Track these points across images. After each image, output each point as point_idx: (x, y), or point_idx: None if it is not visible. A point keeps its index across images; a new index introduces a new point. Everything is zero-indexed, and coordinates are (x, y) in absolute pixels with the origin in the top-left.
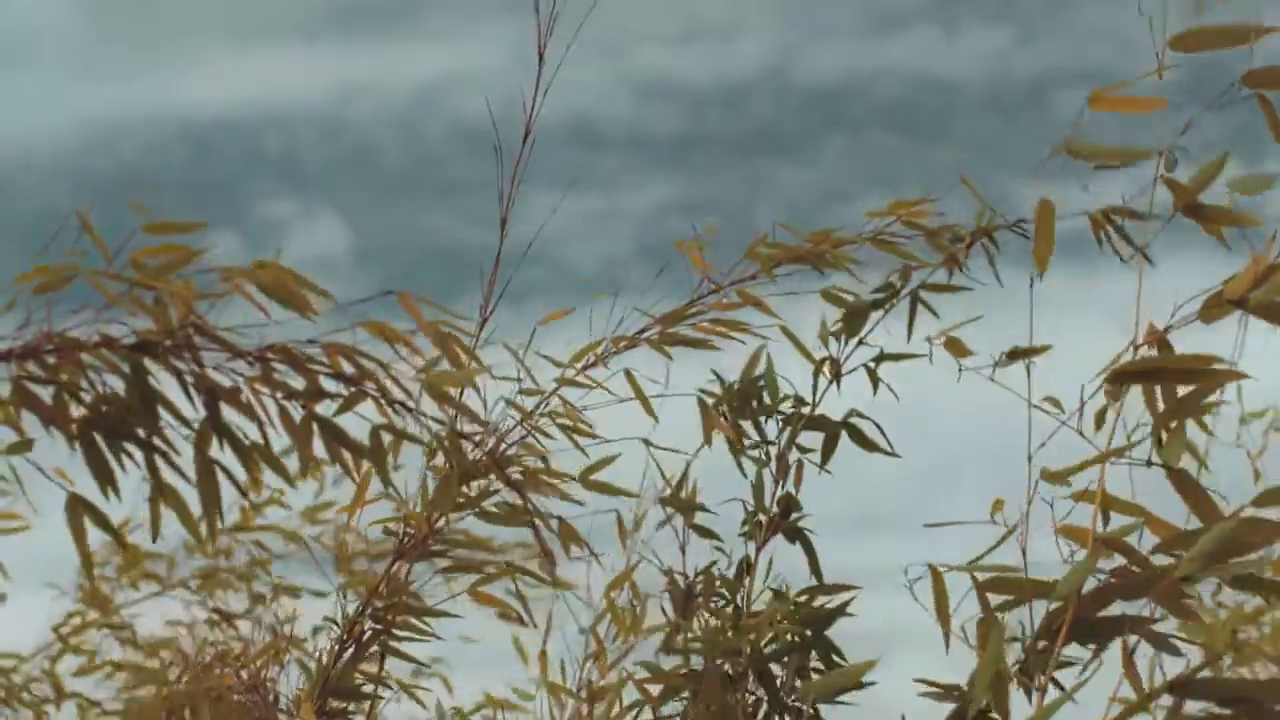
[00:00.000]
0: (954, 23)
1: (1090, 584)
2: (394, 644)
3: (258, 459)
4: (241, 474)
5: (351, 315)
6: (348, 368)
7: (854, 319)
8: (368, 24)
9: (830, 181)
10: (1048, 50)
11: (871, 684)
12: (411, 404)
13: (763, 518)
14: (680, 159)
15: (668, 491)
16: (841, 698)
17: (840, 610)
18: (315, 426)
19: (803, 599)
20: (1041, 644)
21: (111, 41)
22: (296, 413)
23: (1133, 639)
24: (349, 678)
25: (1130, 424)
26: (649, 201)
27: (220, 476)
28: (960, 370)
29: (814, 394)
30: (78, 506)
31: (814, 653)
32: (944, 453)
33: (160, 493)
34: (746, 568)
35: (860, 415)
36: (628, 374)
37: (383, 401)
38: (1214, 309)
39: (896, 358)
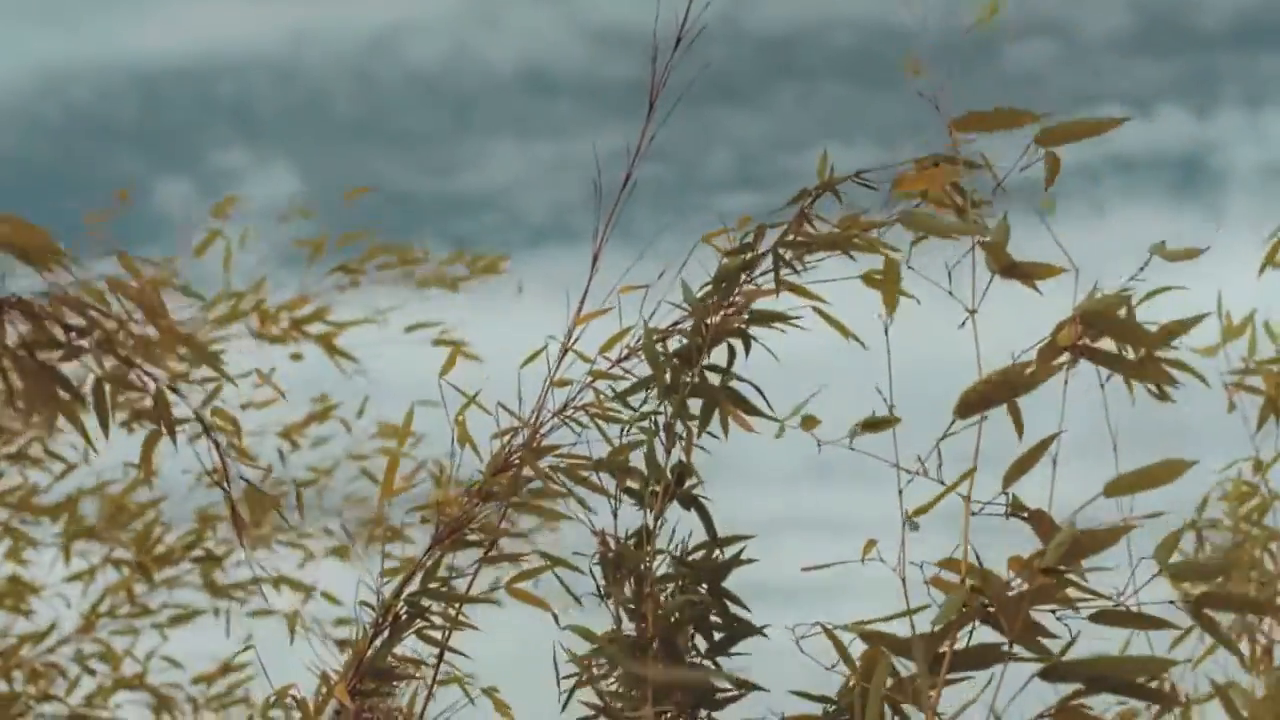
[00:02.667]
0: None
1: None
2: (429, 631)
3: None
4: None
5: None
6: (76, 319)
7: (724, 282)
8: None
9: (782, 130)
10: None
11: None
12: (136, 359)
13: (657, 487)
14: (631, 106)
15: None
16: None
17: (734, 562)
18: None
19: (698, 555)
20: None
21: None
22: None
23: None
24: (383, 659)
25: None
26: (600, 149)
27: None
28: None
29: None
30: None
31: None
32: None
33: None
34: (646, 536)
35: (740, 379)
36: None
37: (109, 352)
38: (1049, 359)
39: (771, 318)
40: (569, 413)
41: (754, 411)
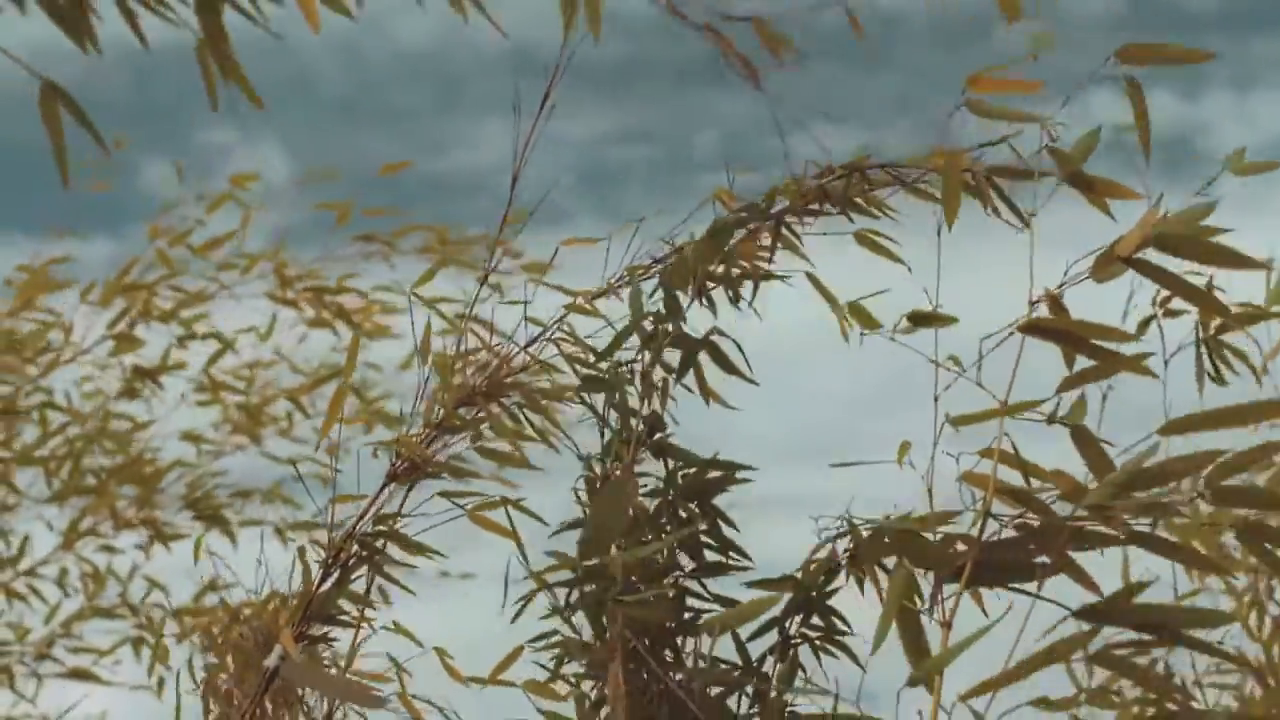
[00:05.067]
0: None
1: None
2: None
3: None
4: None
5: None
6: None
7: (718, 237)
8: None
9: (770, 111)
10: None
11: None
12: None
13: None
14: (619, 87)
15: None
16: None
17: (727, 480)
18: None
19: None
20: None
21: None
22: None
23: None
24: (331, 603)
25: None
26: (588, 130)
27: None
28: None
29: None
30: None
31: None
32: (888, 379)
33: None
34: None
35: (721, 334)
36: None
37: None
38: (1105, 267)
39: (767, 277)
40: (535, 348)
41: (733, 370)
